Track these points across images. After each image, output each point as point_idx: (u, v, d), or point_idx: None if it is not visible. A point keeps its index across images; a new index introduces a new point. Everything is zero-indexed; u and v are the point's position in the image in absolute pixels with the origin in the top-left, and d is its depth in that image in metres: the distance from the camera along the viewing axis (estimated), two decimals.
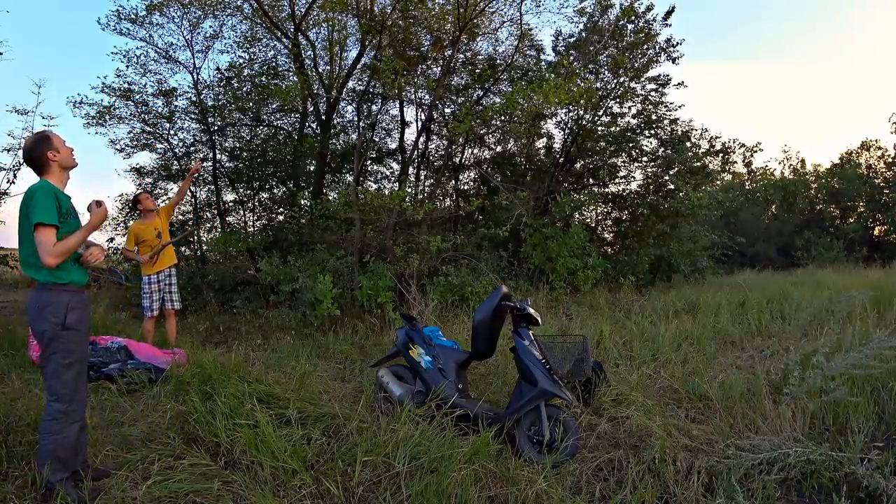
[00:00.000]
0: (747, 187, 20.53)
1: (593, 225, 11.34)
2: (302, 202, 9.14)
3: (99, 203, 2.37)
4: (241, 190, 10.07)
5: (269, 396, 3.22)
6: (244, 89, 9.40)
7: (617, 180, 10.86)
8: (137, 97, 8.65)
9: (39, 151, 2.32)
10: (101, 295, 8.69)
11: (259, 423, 2.68)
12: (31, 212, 2.18)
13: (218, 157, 9.57)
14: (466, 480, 2.33)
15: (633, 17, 8.70)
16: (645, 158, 10.19)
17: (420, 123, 9.60)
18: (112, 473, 2.50)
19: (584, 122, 9.66)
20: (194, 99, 8.98)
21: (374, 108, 10.12)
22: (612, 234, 11.50)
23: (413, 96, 9.49)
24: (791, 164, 20.84)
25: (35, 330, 2.28)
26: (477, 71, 9.06)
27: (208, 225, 10.05)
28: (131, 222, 5.17)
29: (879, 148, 18.98)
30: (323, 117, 9.33)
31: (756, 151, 17.80)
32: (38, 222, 2.16)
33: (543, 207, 8.98)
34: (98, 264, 2.46)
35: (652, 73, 9.48)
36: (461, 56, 9.27)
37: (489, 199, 8.91)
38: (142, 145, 9.18)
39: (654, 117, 9.99)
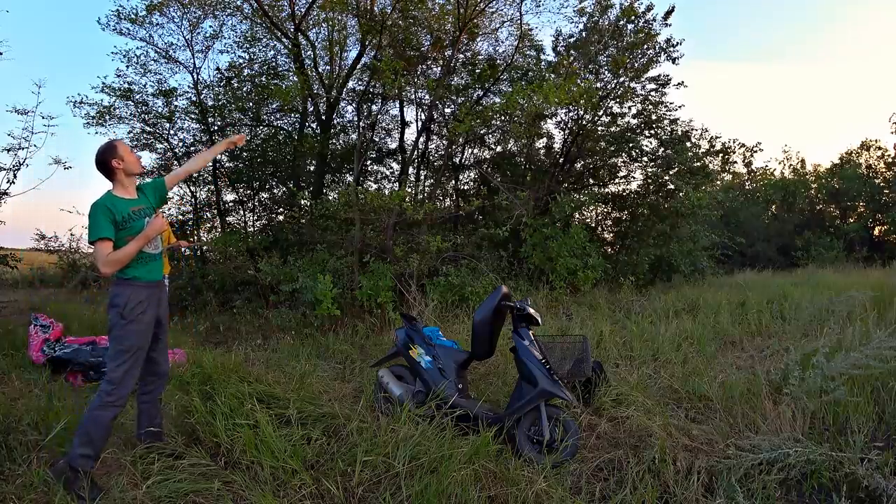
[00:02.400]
0: (747, 187, 20.51)
1: (593, 225, 11.33)
2: (302, 202, 9.15)
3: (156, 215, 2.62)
4: (241, 190, 10.08)
5: (269, 396, 3.22)
6: (244, 89, 9.41)
7: (617, 180, 10.86)
8: (137, 97, 8.67)
9: (104, 160, 2.53)
10: (102, 295, 8.70)
11: (259, 423, 2.68)
12: (88, 230, 2.46)
13: (218, 157, 9.57)
14: (466, 480, 2.33)
15: (633, 17, 8.70)
16: (645, 158, 10.17)
17: (420, 123, 9.61)
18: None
19: (584, 122, 9.66)
20: (194, 99, 9.00)
21: (374, 108, 10.13)
22: (612, 234, 11.50)
23: (413, 96, 9.50)
24: (791, 164, 20.82)
25: (108, 316, 2.51)
26: (477, 71, 9.06)
27: (208, 225, 10.06)
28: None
29: (879, 148, 18.97)
30: (323, 117, 9.34)
31: (756, 151, 17.80)
32: (92, 241, 2.43)
33: (543, 207, 8.97)
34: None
35: (652, 73, 9.47)
36: (461, 56, 9.27)
37: (489, 199, 8.91)
38: (142, 145, 9.21)
39: (654, 117, 9.98)
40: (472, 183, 11.50)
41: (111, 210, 2.44)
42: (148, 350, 2.59)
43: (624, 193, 10.77)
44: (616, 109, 9.91)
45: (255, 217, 10.45)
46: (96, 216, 2.41)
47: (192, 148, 9.65)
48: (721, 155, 10.84)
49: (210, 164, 9.50)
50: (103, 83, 8.44)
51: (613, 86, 9.41)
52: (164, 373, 2.78)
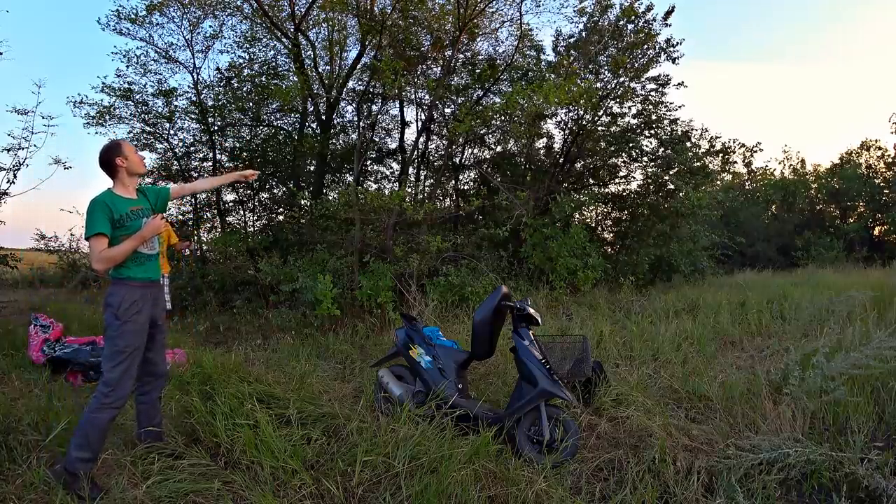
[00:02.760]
0: (747, 187, 20.51)
1: (593, 225, 11.33)
2: (302, 202, 9.15)
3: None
4: (241, 190, 10.08)
5: (269, 396, 3.22)
6: (244, 89, 9.41)
7: (617, 180, 10.86)
8: (137, 97, 8.67)
9: (108, 158, 2.53)
10: (102, 295, 8.69)
11: (259, 423, 2.68)
12: (84, 226, 2.45)
13: (218, 157, 9.58)
14: (466, 480, 2.33)
15: (633, 17, 8.69)
16: (645, 158, 10.17)
17: (420, 123, 9.61)
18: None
19: (584, 122, 9.66)
20: (194, 99, 8.99)
21: (374, 108, 10.13)
22: (612, 234, 11.50)
23: (413, 96, 9.50)
24: (791, 164, 20.83)
25: (104, 317, 2.51)
26: (477, 71, 9.06)
27: (208, 225, 10.06)
28: None
29: (879, 148, 18.97)
30: (323, 117, 9.34)
31: (756, 151, 17.79)
32: (87, 235, 2.42)
33: (543, 207, 8.97)
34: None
35: (652, 73, 9.48)
36: (461, 56, 9.27)
37: (489, 199, 8.91)
38: (142, 145, 9.20)
39: (654, 117, 9.98)
40: (472, 183, 11.50)
41: (109, 207, 2.44)
42: (144, 350, 2.58)
43: (624, 193, 10.77)
44: (616, 109, 9.92)
45: (255, 217, 10.46)
46: (94, 212, 2.41)
47: (192, 148, 9.65)
48: (721, 155, 10.84)
49: (210, 163, 9.52)
50: (103, 83, 8.45)
51: (613, 86, 9.41)
52: (161, 373, 2.76)
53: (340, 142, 10.43)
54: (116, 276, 2.50)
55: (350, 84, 9.70)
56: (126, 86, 8.60)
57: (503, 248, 8.43)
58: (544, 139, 10.99)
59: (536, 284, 7.58)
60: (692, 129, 10.17)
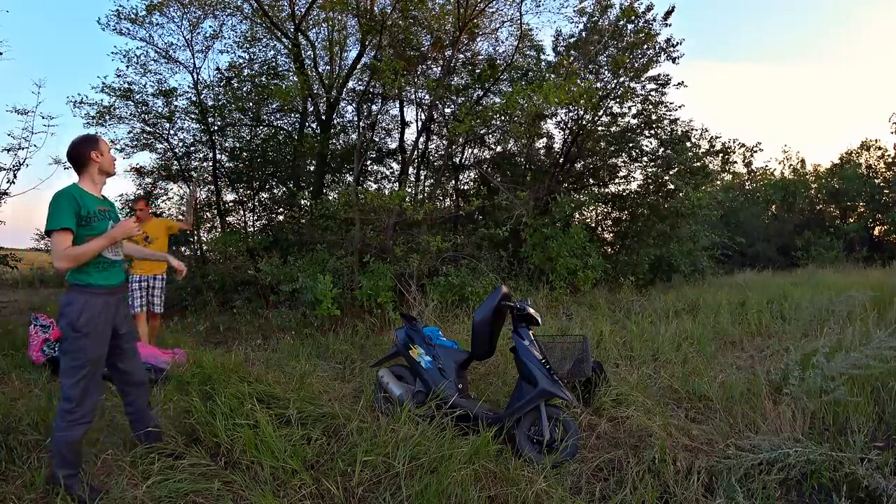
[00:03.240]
0: (747, 187, 20.51)
1: (593, 225, 11.33)
2: (302, 202, 9.15)
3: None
4: (241, 190, 10.08)
5: (269, 396, 3.22)
6: (244, 89, 9.41)
7: (617, 180, 10.86)
8: (137, 97, 8.67)
9: (83, 150, 2.40)
10: None
11: (259, 423, 2.68)
12: (46, 218, 2.25)
13: (218, 157, 9.58)
14: (466, 480, 2.33)
15: (633, 17, 8.69)
16: (645, 158, 10.18)
17: (420, 123, 9.60)
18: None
19: (584, 122, 9.66)
20: (194, 99, 8.99)
21: (374, 108, 10.13)
22: (612, 234, 11.50)
23: (413, 96, 9.50)
24: (791, 164, 20.83)
25: (59, 327, 2.34)
26: (477, 71, 9.06)
27: (208, 225, 10.06)
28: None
29: (879, 148, 18.97)
30: (323, 117, 9.34)
31: (756, 151, 17.81)
32: (50, 229, 2.23)
33: (543, 207, 8.97)
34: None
35: (652, 72, 9.47)
36: (461, 56, 9.27)
37: (489, 199, 8.91)
38: (142, 145, 9.21)
39: (654, 117, 9.98)
40: (472, 183, 11.50)
41: (77, 201, 2.27)
42: (115, 362, 2.48)
43: (624, 193, 10.77)
44: (616, 109, 9.91)
45: (255, 217, 10.46)
46: (59, 204, 2.22)
47: (192, 148, 9.65)
48: (721, 155, 10.84)
49: (210, 163, 9.53)
50: (103, 83, 8.44)
51: (613, 86, 9.41)
52: (139, 381, 2.63)
53: (340, 142, 10.44)
54: (75, 282, 2.32)
55: (350, 84, 9.72)
56: (126, 86, 8.60)
57: (503, 248, 8.43)
58: (544, 139, 11.00)
59: (536, 284, 7.58)
60: (692, 129, 10.18)
